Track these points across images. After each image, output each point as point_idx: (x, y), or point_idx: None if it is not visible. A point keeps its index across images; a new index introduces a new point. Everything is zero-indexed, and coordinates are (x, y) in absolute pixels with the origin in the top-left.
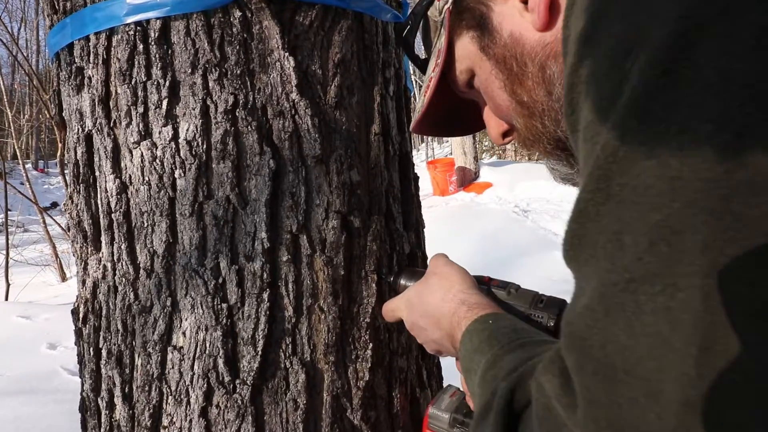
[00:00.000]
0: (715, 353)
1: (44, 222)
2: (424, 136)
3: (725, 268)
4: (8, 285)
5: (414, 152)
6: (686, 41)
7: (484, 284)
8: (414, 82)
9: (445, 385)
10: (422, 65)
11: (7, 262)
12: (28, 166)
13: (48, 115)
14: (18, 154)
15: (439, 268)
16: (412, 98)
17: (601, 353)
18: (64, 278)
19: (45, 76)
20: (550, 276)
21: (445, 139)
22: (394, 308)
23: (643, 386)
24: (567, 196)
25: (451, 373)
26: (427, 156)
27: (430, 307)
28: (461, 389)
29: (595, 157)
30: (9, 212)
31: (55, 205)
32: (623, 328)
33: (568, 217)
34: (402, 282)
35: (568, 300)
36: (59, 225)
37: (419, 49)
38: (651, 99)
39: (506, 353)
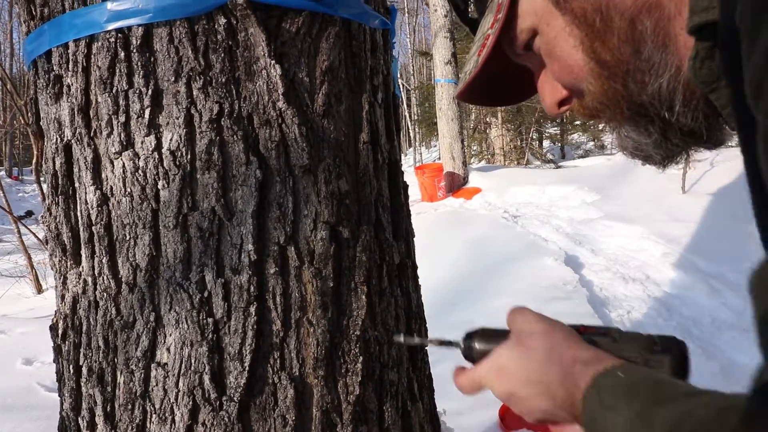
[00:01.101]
0: None
1: (19, 232)
2: (412, 142)
3: None
4: None
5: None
6: None
7: (582, 334)
8: (402, 87)
9: (436, 396)
10: (472, 24)
11: None
12: (2, 173)
13: (22, 121)
14: None
15: (532, 324)
16: (402, 108)
17: None
18: (39, 290)
19: (19, 81)
20: (540, 282)
21: (433, 143)
22: (480, 379)
23: None
24: (556, 201)
25: (441, 384)
26: (415, 161)
27: (533, 374)
28: None
29: None
30: None
31: (30, 213)
32: None
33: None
34: (479, 347)
35: (677, 335)
36: (34, 235)
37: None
38: None
39: (654, 406)
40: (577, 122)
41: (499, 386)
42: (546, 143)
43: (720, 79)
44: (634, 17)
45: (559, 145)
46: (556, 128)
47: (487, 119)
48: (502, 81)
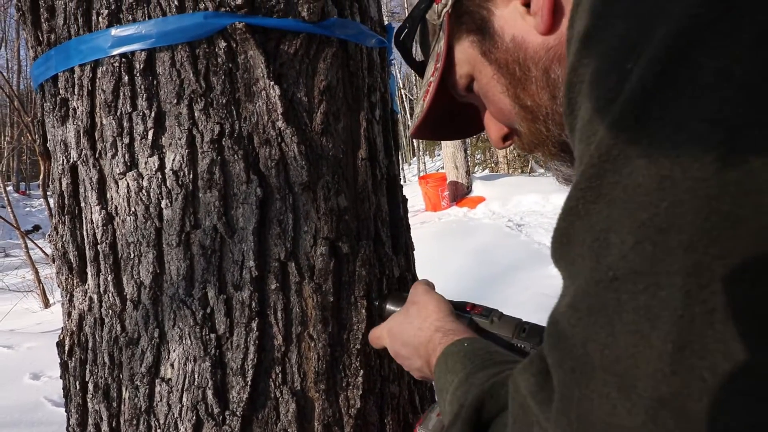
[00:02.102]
0: (691, 351)
1: (26, 246)
2: (416, 151)
3: (708, 267)
4: None
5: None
6: (687, 40)
7: (465, 312)
8: (405, 97)
9: None
10: (420, 69)
11: None
12: (9, 188)
13: (30, 137)
14: None
15: (417, 296)
16: (405, 118)
17: (581, 350)
18: (47, 304)
19: (26, 97)
20: (545, 291)
21: (437, 153)
22: (379, 336)
23: (617, 381)
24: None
25: None
26: (419, 170)
27: (408, 336)
28: None
29: (589, 155)
30: None
31: (37, 228)
32: (604, 326)
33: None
34: (388, 307)
35: None
36: (41, 249)
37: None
38: (648, 98)
39: (478, 371)
40: None
41: (389, 345)
42: None
43: None
44: (547, 67)
45: None
46: None
47: None
48: (453, 118)
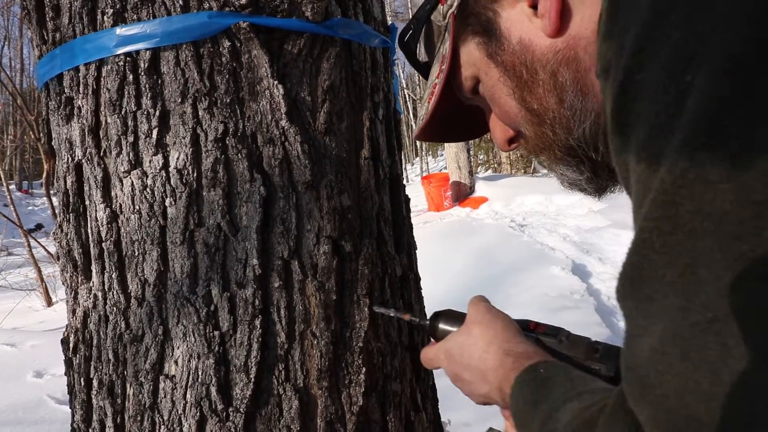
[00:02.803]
0: None
1: (29, 245)
2: (419, 151)
3: None
4: None
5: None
6: (756, 47)
7: (530, 331)
8: (408, 97)
9: (440, 408)
10: (424, 71)
11: None
12: (12, 187)
13: (33, 136)
14: (2, 175)
15: (479, 315)
16: (408, 118)
17: (678, 403)
18: (49, 303)
19: (29, 96)
20: (547, 292)
21: (440, 153)
22: (433, 358)
23: None
24: (563, 209)
25: (448, 395)
26: (422, 171)
27: (473, 361)
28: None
29: (658, 180)
30: None
31: (39, 227)
32: (706, 375)
33: (625, 251)
34: (441, 327)
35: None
36: (44, 248)
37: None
38: (723, 113)
39: (562, 404)
40: None
41: (448, 367)
42: None
43: None
44: (555, 70)
45: None
46: None
47: None
48: (458, 120)
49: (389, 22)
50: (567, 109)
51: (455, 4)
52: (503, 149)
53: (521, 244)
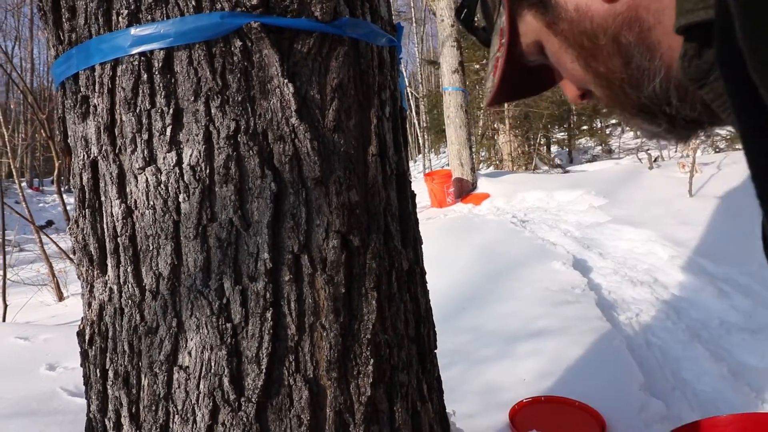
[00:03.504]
0: None
1: (40, 241)
2: (421, 149)
3: None
4: (5, 306)
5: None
6: None
7: None
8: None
9: (447, 398)
10: (486, 42)
11: (3, 283)
12: (24, 184)
13: (44, 134)
14: (14, 173)
15: None
16: (411, 116)
17: None
18: (61, 298)
19: (40, 95)
20: (549, 286)
21: (442, 150)
22: None
23: None
24: (564, 205)
25: (452, 387)
26: (424, 167)
27: None
28: None
29: None
30: (5, 231)
31: (50, 223)
32: None
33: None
34: None
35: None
36: (56, 244)
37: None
38: None
39: None
40: (585, 127)
41: None
42: (554, 148)
43: (709, 74)
44: (616, 34)
45: (567, 149)
46: (563, 133)
47: (495, 125)
48: (526, 80)
49: (395, 22)
50: (635, 70)
51: None
52: (576, 104)
53: (523, 240)
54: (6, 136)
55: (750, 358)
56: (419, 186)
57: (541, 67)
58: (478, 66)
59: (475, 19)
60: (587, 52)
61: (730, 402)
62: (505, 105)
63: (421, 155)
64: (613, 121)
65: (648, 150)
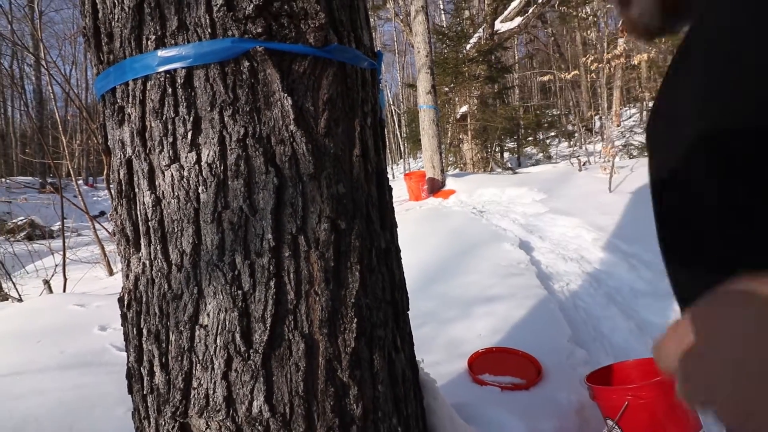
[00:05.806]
0: None
1: (94, 227)
2: (402, 155)
3: None
4: (65, 280)
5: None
6: None
7: None
8: (394, 112)
9: (417, 350)
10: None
11: (64, 261)
12: (80, 182)
13: (95, 141)
14: (71, 172)
15: None
16: (393, 126)
17: None
18: (111, 273)
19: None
20: (500, 262)
21: (419, 155)
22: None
23: None
24: (513, 199)
25: (423, 342)
26: (404, 169)
27: None
28: None
29: None
30: (65, 220)
31: (102, 213)
32: None
33: None
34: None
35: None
36: (106, 230)
37: None
38: None
39: None
40: (530, 138)
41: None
42: (506, 155)
43: None
44: None
45: (516, 156)
46: (513, 143)
47: (460, 136)
48: None
49: (376, 49)
50: None
51: None
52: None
53: (481, 226)
54: (65, 142)
55: (653, 317)
56: (400, 184)
57: None
58: (447, 89)
59: None
60: None
61: (636, 351)
62: (468, 120)
63: (402, 159)
64: (552, 134)
65: (578, 156)
